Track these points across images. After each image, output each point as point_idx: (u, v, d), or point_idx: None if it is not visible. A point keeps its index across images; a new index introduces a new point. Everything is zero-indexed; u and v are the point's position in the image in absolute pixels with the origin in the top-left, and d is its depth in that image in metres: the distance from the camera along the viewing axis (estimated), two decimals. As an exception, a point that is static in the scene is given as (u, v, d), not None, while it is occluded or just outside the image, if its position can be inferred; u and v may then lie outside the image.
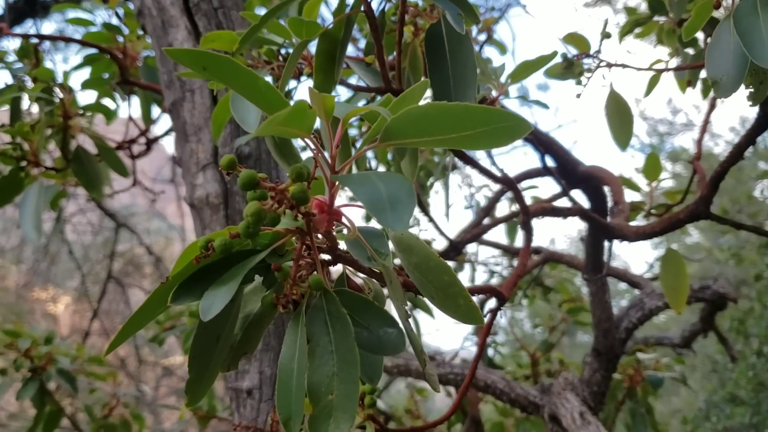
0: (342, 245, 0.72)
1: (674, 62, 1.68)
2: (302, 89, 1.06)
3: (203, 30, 1.39)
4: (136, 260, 9.12)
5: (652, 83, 1.65)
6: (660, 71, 1.47)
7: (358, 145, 1.26)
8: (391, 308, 0.73)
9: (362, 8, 0.88)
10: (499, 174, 1.23)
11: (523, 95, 1.51)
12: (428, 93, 0.97)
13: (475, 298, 0.94)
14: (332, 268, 0.74)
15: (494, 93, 1.22)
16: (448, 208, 1.18)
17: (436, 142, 0.60)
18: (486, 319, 1.09)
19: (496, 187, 2.65)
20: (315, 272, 0.66)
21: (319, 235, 0.68)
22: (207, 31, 1.40)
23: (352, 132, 1.39)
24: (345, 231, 0.69)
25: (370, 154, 1.57)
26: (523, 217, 1.18)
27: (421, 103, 1.13)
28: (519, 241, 3.12)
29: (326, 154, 0.63)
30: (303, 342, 0.65)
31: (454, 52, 0.91)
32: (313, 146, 0.62)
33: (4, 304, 11.61)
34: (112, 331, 7.00)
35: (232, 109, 0.89)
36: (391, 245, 0.72)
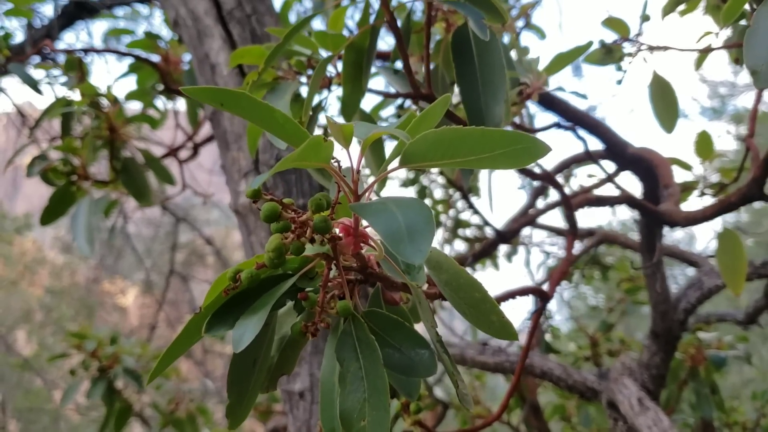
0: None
1: (724, 34, 1.62)
2: (332, 99, 1.06)
3: (237, 38, 1.40)
4: (198, 251, 9.34)
5: (702, 58, 1.59)
6: (705, 51, 1.41)
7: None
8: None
9: (385, 18, 0.87)
10: (538, 170, 1.21)
11: (575, 72, 1.47)
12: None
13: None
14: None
15: (531, 84, 1.20)
16: (491, 198, 1.17)
17: (455, 164, 0.60)
18: (531, 320, 1.08)
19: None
20: (344, 297, 0.66)
21: (349, 257, 0.68)
22: (241, 39, 1.41)
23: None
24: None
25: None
26: (566, 210, 1.16)
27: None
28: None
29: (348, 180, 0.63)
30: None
31: (482, 55, 0.89)
32: (332, 173, 0.62)
33: (76, 298, 12.04)
34: (177, 322, 7.20)
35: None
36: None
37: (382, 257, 0.68)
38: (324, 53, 0.96)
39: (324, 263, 0.67)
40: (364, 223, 0.69)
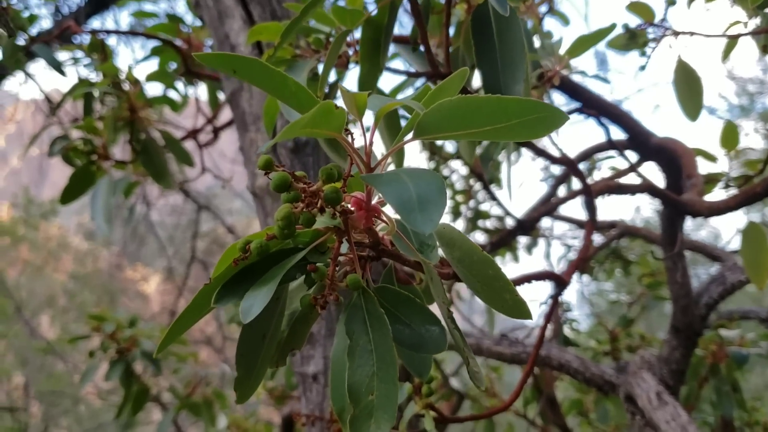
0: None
1: (753, 23, 1.58)
2: (351, 77, 1.05)
3: (258, 18, 1.40)
4: (220, 240, 9.39)
5: (729, 48, 1.56)
6: (734, 37, 1.38)
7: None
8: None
9: (405, -7, 0.86)
10: (557, 153, 1.19)
11: (600, 64, 1.45)
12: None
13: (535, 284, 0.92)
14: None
15: (552, 68, 1.18)
16: (510, 190, 1.15)
17: (470, 135, 0.58)
18: (547, 306, 1.07)
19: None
20: (356, 270, 0.65)
21: (361, 231, 0.67)
22: (262, 19, 1.40)
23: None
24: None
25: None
26: (586, 197, 1.14)
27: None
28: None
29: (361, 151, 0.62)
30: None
31: (502, 33, 0.87)
32: (343, 144, 0.61)
33: (99, 284, 12.18)
34: (198, 309, 7.22)
35: (279, 103, 0.89)
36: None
37: (393, 232, 0.67)
38: (343, 30, 0.95)
39: (335, 237, 0.66)
40: (377, 198, 0.68)
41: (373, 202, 0.65)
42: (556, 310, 1.06)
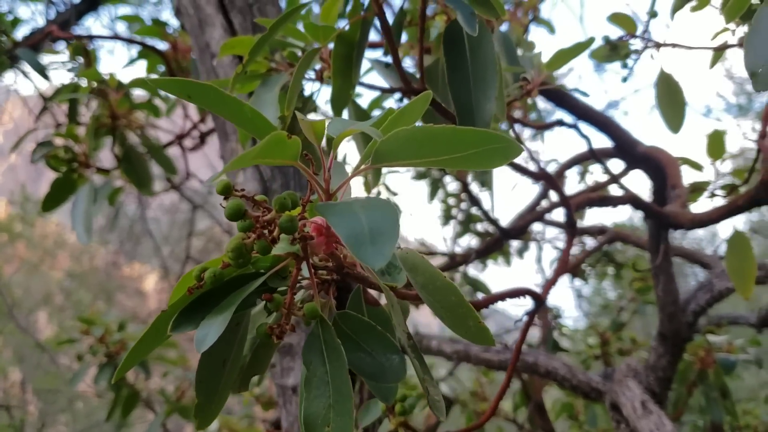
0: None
1: (741, 31, 1.57)
2: (324, 93, 1.04)
3: (239, 27, 1.38)
4: (216, 238, 9.37)
5: (716, 58, 1.55)
6: (718, 49, 1.37)
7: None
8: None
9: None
10: (535, 168, 1.18)
11: (562, 86, 1.44)
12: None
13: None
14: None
15: (532, 79, 1.17)
16: (493, 204, 1.14)
17: (427, 163, 0.58)
18: (524, 322, 1.06)
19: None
20: (314, 299, 0.64)
21: (321, 256, 0.66)
22: (242, 29, 1.39)
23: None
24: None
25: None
26: (565, 211, 1.13)
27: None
28: (585, 220, 3.03)
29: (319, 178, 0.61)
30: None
31: (474, 50, 0.86)
32: (303, 171, 0.60)
33: (95, 282, 12.17)
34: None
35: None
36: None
37: (354, 259, 0.66)
38: (317, 46, 0.94)
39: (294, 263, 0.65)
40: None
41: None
42: (528, 329, 1.05)
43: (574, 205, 1.21)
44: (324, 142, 0.62)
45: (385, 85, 1.10)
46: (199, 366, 0.67)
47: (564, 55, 1.08)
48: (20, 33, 2.09)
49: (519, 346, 1.05)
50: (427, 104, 0.65)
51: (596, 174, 2.92)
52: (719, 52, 1.53)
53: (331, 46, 0.93)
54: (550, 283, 1.06)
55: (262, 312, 0.72)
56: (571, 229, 1.15)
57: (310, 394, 0.60)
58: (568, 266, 1.05)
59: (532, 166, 1.15)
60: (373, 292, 0.77)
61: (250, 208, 0.61)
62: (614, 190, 2.20)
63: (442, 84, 1.11)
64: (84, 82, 1.78)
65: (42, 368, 9.76)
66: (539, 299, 1.00)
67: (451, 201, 3.16)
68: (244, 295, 0.62)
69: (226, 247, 0.56)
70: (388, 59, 1.03)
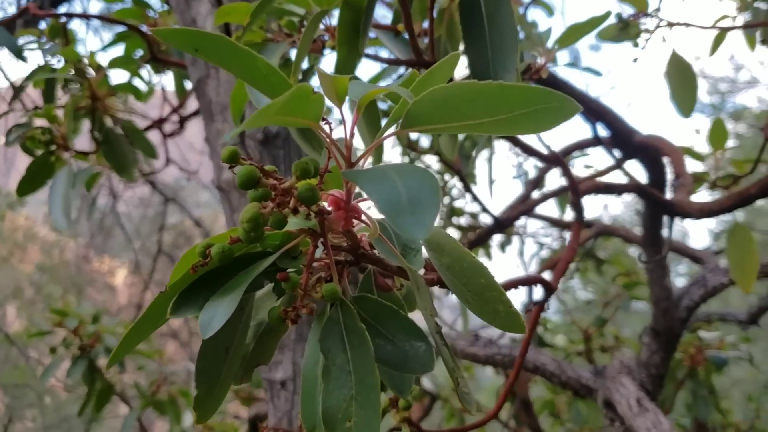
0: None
1: (742, 18, 1.55)
2: (326, 63, 0.97)
3: (226, 1, 1.31)
4: (187, 233, 9.25)
5: (717, 41, 1.52)
6: (727, 29, 1.33)
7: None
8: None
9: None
10: (544, 150, 1.12)
11: (573, 61, 1.39)
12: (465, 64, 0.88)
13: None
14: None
15: (540, 60, 1.12)
16: (491, 185, 1.09)
17: (466, 128, 0.51)
18: (533, 311, 1.00)
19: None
20: (331, 279, 0.58)
21: (334, 234, 0.60)
22: (230, 2, 1.32)
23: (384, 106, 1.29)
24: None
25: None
26: (573, 196, 1.08)
27: (458, 75, 1.02)
28: (569, 214, 2.99)
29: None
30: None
31: (492, 16, 0.80)
32: (324, 135, 0.53)
33: (66, 276, 11.95)
34: (165, 303, 7.11)
35: (248, 89, 0.81)
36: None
37: (376, 236, 0.59)
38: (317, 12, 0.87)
39: (309, 240, 0.58)
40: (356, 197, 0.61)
41: (353, 201, 0.58)
42: (539, 318, 1.00)
43: (582, 192, 1.16)
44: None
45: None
46: (200, 354, 0.60)
47: (577, 31, 1.03)
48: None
49: (528, 337, 0.99)
50: (455, 67, 0.59)
51: (589, 162, 2.89)
52: (720, 36, 1.50)
53: (336, 13, 0.86)
54: (559, 272, 1.01)
55: (265, 296, 0.66)
56: (579, 215, 1.09)
57: (329, 386, 0.54)
58: (575, 253, 1.00)
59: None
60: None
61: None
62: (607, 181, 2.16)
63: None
64: (61, 63, 1.69)
65: (11, 362, 9.56)
66: (550, 288, 0.95)
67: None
68: (254, 274, 0.55)
69: (240, 218, 0.49)
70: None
